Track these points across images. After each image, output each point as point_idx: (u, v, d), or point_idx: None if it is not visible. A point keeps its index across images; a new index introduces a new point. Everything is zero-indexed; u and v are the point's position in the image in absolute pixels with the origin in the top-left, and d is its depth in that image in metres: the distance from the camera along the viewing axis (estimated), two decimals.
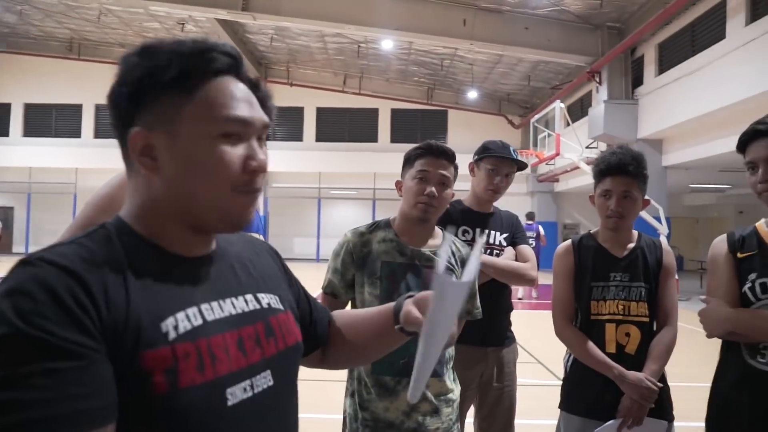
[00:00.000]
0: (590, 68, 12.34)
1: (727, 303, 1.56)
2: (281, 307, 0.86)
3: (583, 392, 1.88)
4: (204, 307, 0.73)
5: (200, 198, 0.73)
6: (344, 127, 19.62)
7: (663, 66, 11.09)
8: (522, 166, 2.17)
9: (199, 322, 0.71)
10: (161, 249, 0.74)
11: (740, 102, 8.14)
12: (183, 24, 15.51)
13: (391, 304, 0.98)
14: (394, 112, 19.67)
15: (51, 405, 0.56)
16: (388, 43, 14.81)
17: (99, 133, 19.71)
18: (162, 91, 0.71)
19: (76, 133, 19.69)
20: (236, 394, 0.71)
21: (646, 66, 11.68)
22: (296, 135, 19.49)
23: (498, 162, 2.14)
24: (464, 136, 18.53)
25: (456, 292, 0.76)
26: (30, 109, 19.77)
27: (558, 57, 13.11)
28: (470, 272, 0.78)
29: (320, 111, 19.58)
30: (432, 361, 0.83)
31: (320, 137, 19.53)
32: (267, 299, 0.83)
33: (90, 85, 19.30)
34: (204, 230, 0.77)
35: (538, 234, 10.10)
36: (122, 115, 0.73)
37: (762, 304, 1.51)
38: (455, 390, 1.72)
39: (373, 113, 19.56)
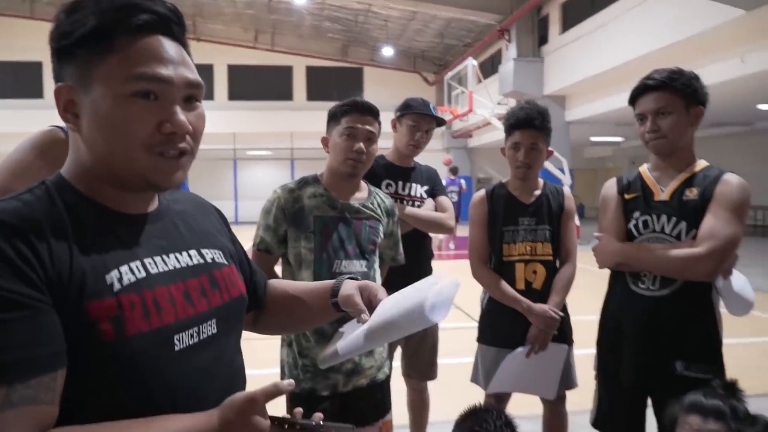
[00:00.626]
0: (500, 26, 12.70)
1: (616, 239, 1.78)
2: (225, 261, 0.89)
3: (497, 326, 2.10)
4: (147, 261, 0.76)
5: (115, 158, 0.73)
6: (258, 85, 18.92)
7: (566, 25, 11.65)
8: (441, 122, 2.29)
9: (142, 275, 0.73)
10: (101, 206, 0.76)
11: (635, 59, 8.77)
12: None
13: (330, 282, 1.03)
14: (309, 70, 19.23)
15: (2, 352, 0.60)
16: None
17: (4, 93, 17.70)
18: (78, 48, 0.71)
19: None
20: (183, 339, 0.75)
21: (551, 25, 12.22)
22: (207, 94, 18.23)
23: (419, 118, 2.25)
24: (380, 94, 18.47)
25: (420, 323, 0.85)
26: None
27: (470, 14, 13.35)
28: (444, 311, 0.87)
29: (232, 68, 18.73)
30: (361, 351, 0.94)
31: (233, 96, 18.76)
32: (211, 254, 0.87)
33: None
34: (130, 190, 0.77)
35: (461, 187, 10.61)
36: (54, 70, 0.74)
37: (644, 239, 1.73)
38: None
39: (288, 71, 19.02)
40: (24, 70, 17.96)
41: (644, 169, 1.83)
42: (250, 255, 1.07)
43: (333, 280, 1.03)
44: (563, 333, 2.06)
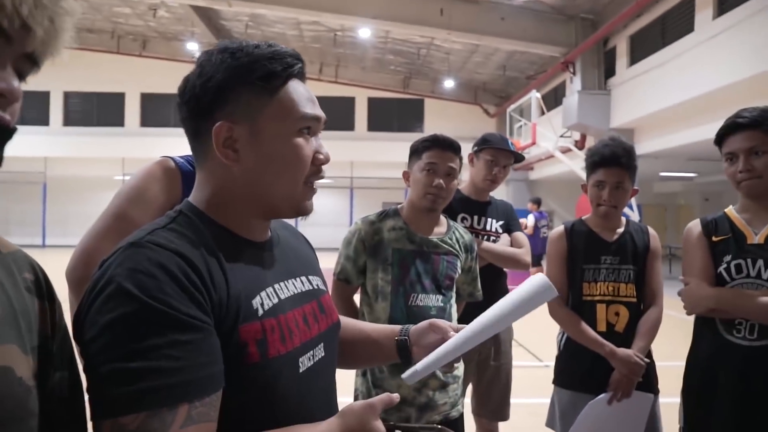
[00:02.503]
0: (564, 59, 12.57)
1: (706, 283, 1.68)
2: (324, 288, 0.96)
3: (576, 368, 2.01)
4: (276, 286, 0.81)
5: (277, 189, 0.80)
6: None
7: (634, 57, 11.38)
8: (519, 158, 2.28)
9: (276, 300, 0.79)
10: (233, 233, 0.80)
11: (708, 93, 8.44)
12: (155, 9, 15.18)
13: (398, 326, 1.07)
14: (371, 101, 19.68)
15: (183, 371, 0.63)
16: (365, 32, 14.78)
17: (69, 121, 19.24)
18: (247, 89, 0.77)
19: (44, 121, 19.16)
20: (304, 362, 0.81)
21: (618, 57, 11.97)
22: None
23: (497, 153, 2.25)
24: (440, 125, 18.67)
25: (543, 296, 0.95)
26: None
27: (533, 47, 13.30)
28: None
29: None
30: (445, 361, 0.96)
31: None
32: (315, 281, 0.93)
33: (59, 72, 18.73)
34: (274, 217, 0.85)
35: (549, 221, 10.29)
36: (201, 108, 0.78)
37: (736, 284, 1.64)
38: (460, 367, 1.83)
39: (350, 102, 19.53)
40: (107, 100, 19.37)
41: (731, 210, 1.75)
42: (331, 285, 1.11)
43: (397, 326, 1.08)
44: (649, 381, 1.95)
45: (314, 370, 0.83)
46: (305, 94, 0.82)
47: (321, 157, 0.82)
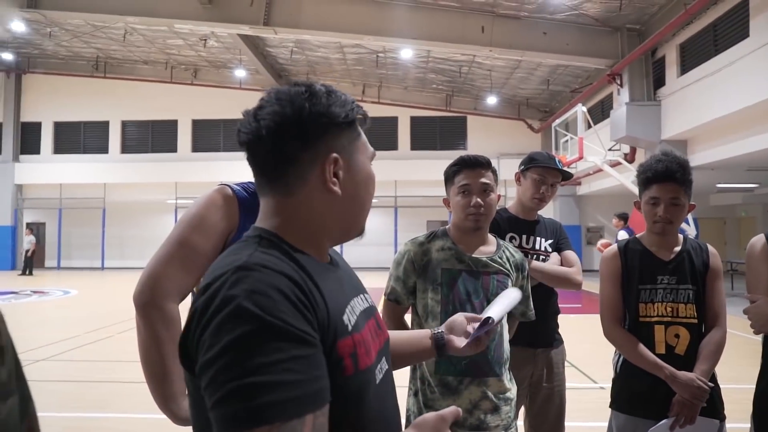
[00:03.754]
0: (611, 71, 12.32)
1: None
2: (376, 306, 1.00)
3: (634, 392, 1.93)
4: (352, 303, 0.86)
5: (363, 213, 0.91)
6: (366, 136, 19.76)
7: (685, 66, 11.03)
8: (567, 176, 2.25)
9: (355, 316, 0.84)
10: (309, 257, 0.85)
11: (767, 100, 8.08)
12: (205, 40, 15.88)
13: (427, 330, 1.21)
14: (414, 120, 19.81)
15: (302, 385, 0.67)
16: (407, 53, 14.97)
17: (126, 149, 20.23)
18: (347, 127, 0.87)
19: (103, 149, 20.23)
20: (378, 375, 0.86)
21: (668, 67, 11.63)
22: None
23: (544, 172, 2.22)
24: (484, 142, 18.59)
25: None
26: (59, 127, 20.37)
27: (577, 60, 13.12)
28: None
29: None
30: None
31: None
32: (369, 299, 0.97)
33: (116, 102, 19.87)
34: (347, 240, 0.93)
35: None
36: (304, 137, 0.83)
37: None
38: (512, 389, 1.80)
39: (393, 121, 19.72)
40: (161, 128, 20.27)
41: None
42: (382, 306, 1.17)
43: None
44: (713, 406, 1.85)
45: (385, 381, 0.88)
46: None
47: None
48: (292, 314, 0.70)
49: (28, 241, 17.60)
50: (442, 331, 1.18)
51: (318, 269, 0.83)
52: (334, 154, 0.84)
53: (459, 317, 1.20)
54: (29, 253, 17.48)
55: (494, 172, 1.82)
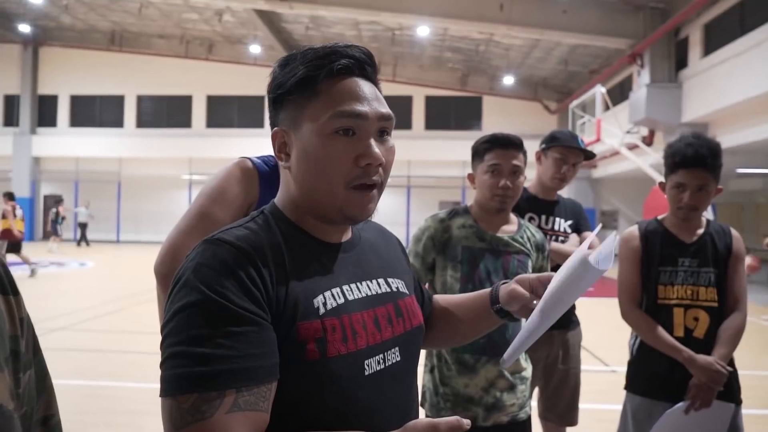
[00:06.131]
0: (632, 51, 12.03)
1: None
2: (407, 291, 0.94)
3: (651, 374, 1.92)
4: (345, 288, 0.82)
5: (319, 193, 0.79)
6: None
7: (709, 47, 10.74)
8: (589, 155, 2.21)
9: (341, 300, 0.80)
10: (308, 235, 0.83)
11: None
12: (221, 14, 15.76)
13: (487, 290, 1.04)
14: (429, 99, 19.59)
15: (234, 360, 0.67)
16: (423, 30, 14.73)
17: (141, 123, 20.30)
18: (290, 95, 0.80)
19: (119, 123, 20.32)
20: (371, 365, 0.80)
21: (691, 48, 11.33)
22: None
23: (566, 151, 2.19)
24: (499, 123, 18.35)
25: (590, 277, 0.81)
26: (76, 100, 20.45)
27: (597, 40, 12.82)
28: (608, 260, 0.82)
29: None
30: (539, 333, 0.90)
31: None
32: (395, 284, 0.91)
33: (132, 76, 19.88)
34: (330, 222, 0.83)
35: None
36: (270, 117, 0.85)
37: None
38: (528, 369, 1.80)
39: (407, 100, 19.52)
40: (176, 103, 20.29)
41: None
42: None
43: (488, 289, 1.04)
44: (730, 390, 1.83)
45: (386, 375, 0.82)
46: (354, 91, 0.79)
47: (364, 158, 0.78)
48: (234, 290, 0.70)
49: (86, 214, 17.97)
50: (501, 307, 0.99)
51: (304, 248, 0.81)
52: (276, 129, 0.82)
53: (513, 291, 0.96)
54: (84, 227, 18.03)
55: (525, 153, 1.77)
